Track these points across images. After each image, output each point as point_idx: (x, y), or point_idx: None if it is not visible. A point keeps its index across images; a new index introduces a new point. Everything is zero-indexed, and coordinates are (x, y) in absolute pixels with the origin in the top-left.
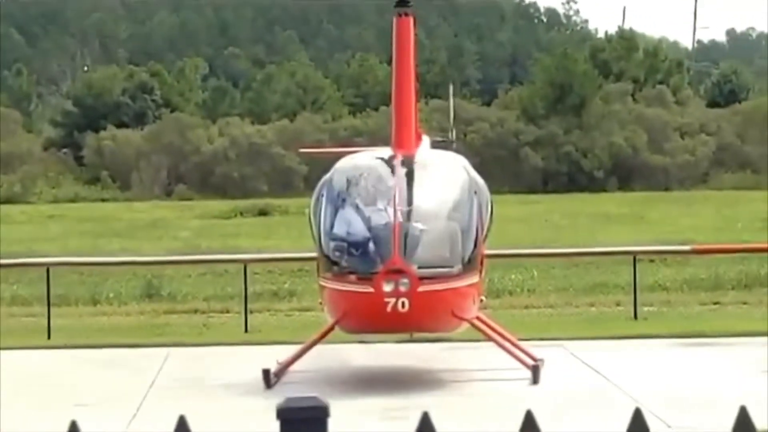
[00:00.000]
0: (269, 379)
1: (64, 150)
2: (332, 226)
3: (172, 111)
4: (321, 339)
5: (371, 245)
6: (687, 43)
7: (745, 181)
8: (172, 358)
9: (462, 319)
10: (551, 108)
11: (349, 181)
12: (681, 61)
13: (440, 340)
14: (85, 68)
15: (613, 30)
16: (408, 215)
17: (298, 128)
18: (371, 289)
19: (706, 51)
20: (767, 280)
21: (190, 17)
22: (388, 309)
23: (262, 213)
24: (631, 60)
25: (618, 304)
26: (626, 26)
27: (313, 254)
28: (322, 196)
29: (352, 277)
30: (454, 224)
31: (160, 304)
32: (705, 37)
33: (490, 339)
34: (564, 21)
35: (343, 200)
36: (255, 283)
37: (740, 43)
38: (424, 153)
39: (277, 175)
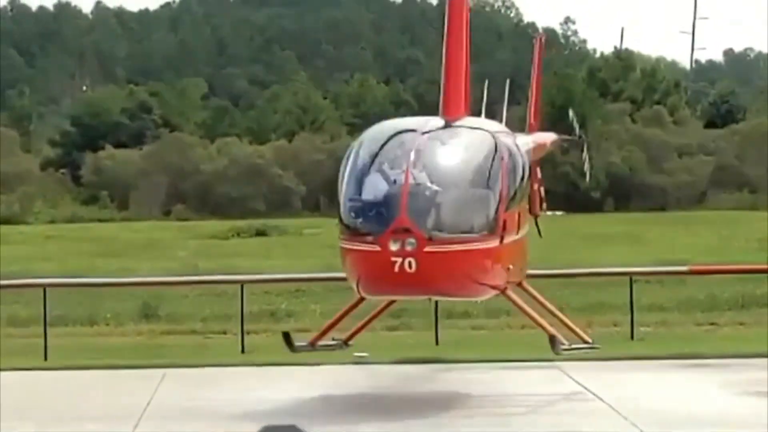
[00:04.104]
0: (292, 342)
1: (63, 170)
2: (349, 188)
3: (171, 130)
4: (351, 310)
5: (380, 206)
6: (685, 63)
7: (743, 201)
8: (169, 379)
9: (484, 285)
10: (549, 127)
11: (371, 145)
12: (678, 82)
13: (434, 361)
14: (84, 88)
15: (610, 50)
16: (420, 177)
17: (296, 148)
18: (378, 248)
19: (704, 71)
20: (764, 301)
21: (188, 36)
22: (396, 269)
23: (260, 233)
24: (629, 80)
25: (615, 325)
26: (624, 46)
27: (311, 275)
28: (348, 159)
29: (362, 237)
30: (471, 187)
31: (157, 325)
32: (703, 57)
33: (521, 311)
34: (562, 41)
35: (363, 164)
36: (252, 303)
37: (738, 63)
38: (460, 119)
39: (275, 195)
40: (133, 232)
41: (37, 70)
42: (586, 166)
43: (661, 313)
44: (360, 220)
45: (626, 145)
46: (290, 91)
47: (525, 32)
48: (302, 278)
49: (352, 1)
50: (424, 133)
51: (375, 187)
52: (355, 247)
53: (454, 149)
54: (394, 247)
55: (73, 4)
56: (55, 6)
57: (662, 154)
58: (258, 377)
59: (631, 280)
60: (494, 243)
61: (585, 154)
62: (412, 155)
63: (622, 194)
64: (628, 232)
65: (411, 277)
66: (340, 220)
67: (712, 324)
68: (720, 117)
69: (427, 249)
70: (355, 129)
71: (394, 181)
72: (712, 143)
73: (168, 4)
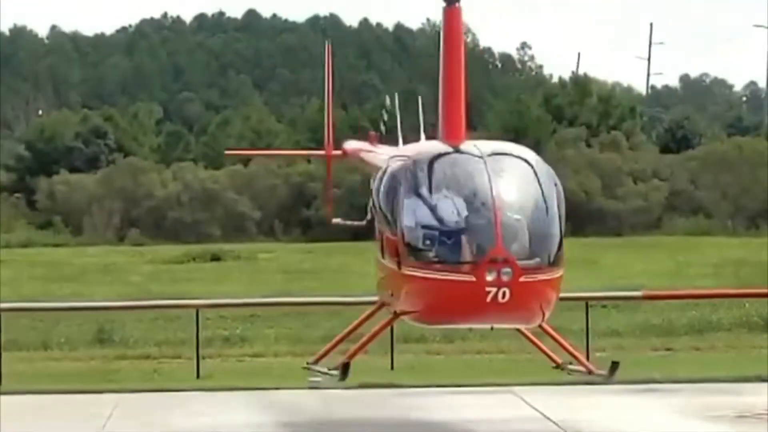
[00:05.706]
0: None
1: (17, 194)
2: (424, 215)
3: (125, 155)
4: (381, 331)
5: (474, 234)
6: (641, 88)
7: (697, 226)
8: (123, 404)
9: (547, 311)
10: None
11: (435, 171)
12: (634, 107)
13: (389, 386)
14: (39, 112)
15: (567, 75)
16: (506, 205)
17: (251, 173)
18: (473, 278)
19: (660, 96)
20: (719, 326)
21: (143, 61)
22: (488, 299)
23: (215, 258)
24: (585, 105)
25: None
26: (581, 71)
27: (265, 299)
28: (400, 184)
29: (451, 266)
30: (549, 215)
31: (111, 350)
32: (658, 82)
33: (555, 340)
34: (519, 66)
35: (433, 189)
36: (207, 328)
37: (694, 88)
38: (500, 144)
39: (230, 220)
40: (87, 257)
41: None
42: None
43: (617, 338)
44: (447, 249)
45: (582, 170)
46: (242, 115)
47: (481, 57)
48: (257, 303)
49: (307, 26)
50: (489, 159)
51: (463, 216)
52: (440, 277)
53: (527, 177)
54: (490, 277)
55: (28, 28)
56: (11, 30)
57: (618, 180)
58: (213, 402)
59: (587, 305)
60: (563, 270)
61: None
62: (493, 183)
63: (577, 219)
64: (584, 257)
65: (501, 307)
66: (408, 246)
67: (667, 349)
68: (675, 142)
69: (522, 279)
70: None
71: (481, 210)
72: (668, 168)
73: (124, 28)
